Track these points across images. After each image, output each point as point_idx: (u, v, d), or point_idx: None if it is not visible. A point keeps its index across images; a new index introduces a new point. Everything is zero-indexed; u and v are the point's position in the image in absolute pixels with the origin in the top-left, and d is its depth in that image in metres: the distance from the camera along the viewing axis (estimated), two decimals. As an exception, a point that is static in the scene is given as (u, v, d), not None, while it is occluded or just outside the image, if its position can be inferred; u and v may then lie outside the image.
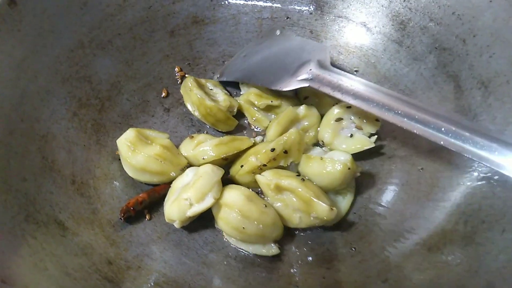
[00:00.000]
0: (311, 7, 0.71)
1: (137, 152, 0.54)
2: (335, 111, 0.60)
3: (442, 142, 0.45)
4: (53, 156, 0.52)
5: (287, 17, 0.72)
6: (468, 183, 0.50)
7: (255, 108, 0.64)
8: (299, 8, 0.71)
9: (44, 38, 0.57)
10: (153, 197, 0.54)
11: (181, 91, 0.65)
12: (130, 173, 0.55)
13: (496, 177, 0.47)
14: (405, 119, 0.48)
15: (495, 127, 0.51)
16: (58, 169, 0.52)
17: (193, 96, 0.62)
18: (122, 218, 0.51)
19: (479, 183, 0.49)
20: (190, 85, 0.62)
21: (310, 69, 0.58)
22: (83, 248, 0.45)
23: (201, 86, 0.64)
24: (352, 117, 0.59)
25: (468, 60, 0.56)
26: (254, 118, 0.64)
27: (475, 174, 0.50)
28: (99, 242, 0.47)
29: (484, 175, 0.49)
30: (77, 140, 0.56)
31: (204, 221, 0.54)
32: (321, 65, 0.58)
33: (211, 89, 0.65)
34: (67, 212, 0.48)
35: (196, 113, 0.63)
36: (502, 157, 0.41)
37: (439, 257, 0.44)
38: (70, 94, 0.58)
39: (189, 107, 0.64)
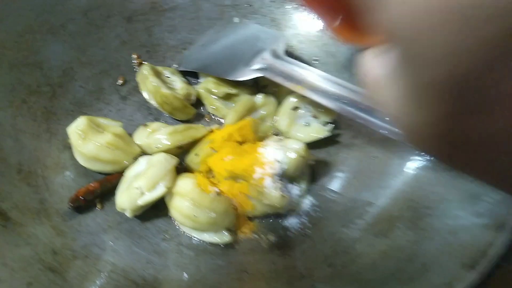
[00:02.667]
0: (272, -5, 0.70)
1: (88, 140, 0.53)
2: (292, 100, 0.60)
3: (385, 132, 0.45)
4: (-2, 144, 0.50)
5: (249, 5, 0.71)
6: (416, 171, 0.51)
7: (214, 97, 0.64)
8: (260, -5, 0.71)
9: (-12, 22, 0.55)
10: (105, 186, 0.53)
11: (137, 79, 0.64)
12: (81, 162, 0.54)
13: (441, 165, 0.48)
14: (350, 108, 0.48)
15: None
16: (3, 157, 0.50)
17: (149, 84, 0.61)
18: (70, 208, 0.50)
19: (425, 170, 0.50)
20: (146, 73, 0.61)
21: (264, 58, 0.57)
22: (26, 238, 0.44)
23: (158, 74, 0.63)
24: (308, 106, 0.60)
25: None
26: (212, 107, 0.64)
27: (423, 161, 0.51)
28: (45, 232, 0.46)
29: (430, 162, 0.50)
30: (25, 128, 0.54)
31: (158, 210, 0.53)
32: (275, 54, 0.57)
33: (168, 77, 0.64)
34: (10, 202, 0.47)
35: (153, 102, 0.62)
36: None
37: (384, 242, 0.46)
38: (18, 81, 0.56)
39: (145, 95, 0.63)
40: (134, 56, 0.67)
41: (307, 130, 0.59)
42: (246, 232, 0.53)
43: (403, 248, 0.43)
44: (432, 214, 0.44)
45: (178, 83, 0.64)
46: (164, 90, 0.60)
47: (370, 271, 0.42)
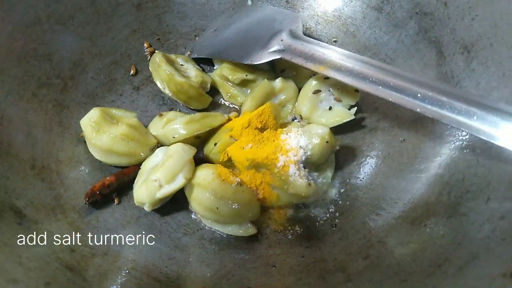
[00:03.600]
0: (286, -25, 0.67)
1: (102, 132, 0.50)
2: (313, 83, 0.57)
3: (418, 109, 0.42)
4: (9, 139, 0.48)
5: (262, -14, 0.68)
6: (452, 152, 0.48)
7: (230, 84, 0.61)
8: (273, -24, 0.67)
9: (-6, 13, 0.52)
10: (121, 180, 0.51)
11: (149, 68, 0.61)
12: (96, 155, 0.52)
13: (480, 145, 0.44)
14: (380, 86, 0.45)
15: (479, 93, 0.49)
16: (16, 153, 0.48)
17: (162, 72, 0.58)
18: (87, 203, 0.47)
19: (463, 151, 0.47)
20: (158, 61, 0.59)
21: (282, 40, 0.54)
22: (43, 235, 0.42)
23: (171, 62, 0.60)
24: (331, 89, 0.56)
25: (450, 24, 0.54)
26: (229, 94, 0.61)
27: (458, 143, 0.48)
28: (62, 229, 0.44)
29: (467, 143, 0.47)
30: (37, 122, 0.52)
31: (177, 203, 0.51)
32: (293, 35, 0.54)
33: (181, 65, 0.62)
34: (25, 199, 0.45)
35: (167, 91, 0.60)
36: (481, 122, 0.38)
37: (422, 230, 0.42)
38: (28, 74, 0.54)
39: (159, 84, 0.60)
40: (145, 45, 0.64)
41: (330, 114, 0.56)
42: (272, 224, 0.50)
43: (445, 237, 0.39)
44: (475, 198, 0.41)
45: (192, 71, 0.61)
46: (178, 78, 0.57)
47: (411, 262, 0.39)
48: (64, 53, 0.58)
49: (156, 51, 0.62)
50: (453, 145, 0.48)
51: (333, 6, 0.65)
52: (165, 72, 0.58)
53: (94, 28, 0.61)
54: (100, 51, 0.61)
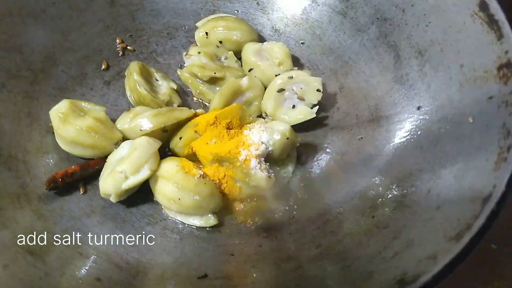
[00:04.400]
0: (257, -23, 0.70)
1: (68, 123, 0.52)
2: (278, 82, 0.59)
3: None
4: (-25, 129, 0.49)
5: (234, -12, 0.70)
6: (402, 150, 0.51)
7: (199, 81, 0.63)
8: (245, -22, 0.70)
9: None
10: (85, 171, 0.52)
11: (126, 73, 0.62)
12: (62, 145, 0.53)
13: (426, 143, 0.48)
14: None
15: (429, 94, 0.52)
16: (-18, 142, 0.49)
17: (131, 80, 0.59)
18: (47, 189, 0.48)
19: (412, 149, 0.50)
20: (132, 68, 0.59)
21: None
22: (5, 221, 0.43)
23: (146, 74, 0.61)
24: (294, 88, 0.59)
25: (406, 30, 0.57)
26: (198, 91, 0.63)
27: (408, 141, 0.51)
28: (25, 215, 0.45)
29: (417, 142, 0.50)
30: (5, 112, 0.53)
31: (143, 194, 0.52)
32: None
33: (156, 80, 0.62)
34: (-11, 186, 0.46)
35: (131, 99, 0.60)
36: None
37: (370, 221, 0.45)
38: (-4, 65, 0.55)
39: (127, 91, 0.61)
40: (118, 41, 0.66)
41: (293, 112, 0.58)
42: (233, 215, 0.52)
43: (389, 226, 0.42)
44: (418, 192, 0.44)
45: (164, 89, 0.61)
46: (142, 90, 0.58)
47: (357, 250, 0.42)
48: (35, 46, 0.59)
49: (136, 62, 0.61)
50: (404, 144, 0.51)
51: (301, 10, 0.68)
52: (134, 81, 0.59)
53: (67, 22, 0.63)
54: (72, 46, 0.63)
